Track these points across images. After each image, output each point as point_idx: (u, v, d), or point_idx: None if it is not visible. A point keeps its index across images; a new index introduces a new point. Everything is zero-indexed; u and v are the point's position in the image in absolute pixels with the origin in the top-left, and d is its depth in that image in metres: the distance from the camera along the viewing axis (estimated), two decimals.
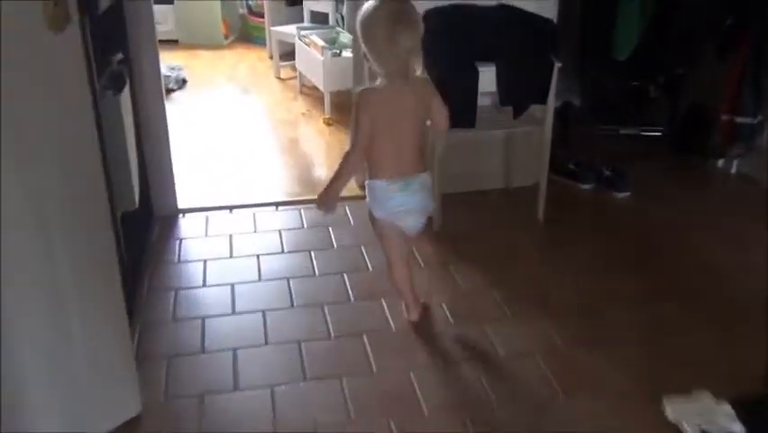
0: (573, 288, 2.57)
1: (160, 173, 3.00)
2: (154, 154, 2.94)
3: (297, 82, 4.94)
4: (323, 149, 4.06)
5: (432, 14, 2.63)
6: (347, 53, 4.39)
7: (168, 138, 3.00)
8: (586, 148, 3.56)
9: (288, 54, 5.09)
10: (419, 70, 2.02)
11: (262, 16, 6.12)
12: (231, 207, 3.15)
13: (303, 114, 4.53)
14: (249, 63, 5.75)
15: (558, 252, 2.85)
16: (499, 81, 2.80)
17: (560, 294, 2.54)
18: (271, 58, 5.59)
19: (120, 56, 2.38)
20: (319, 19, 5.22)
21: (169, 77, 4.85)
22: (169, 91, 4.82)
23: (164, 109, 2.95)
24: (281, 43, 5.14)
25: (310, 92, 4.79)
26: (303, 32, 4.73)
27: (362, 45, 2.00)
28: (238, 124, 4.36)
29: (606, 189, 3.34)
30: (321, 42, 4.43)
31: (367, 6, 1.97)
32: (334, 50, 4.39)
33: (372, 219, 2.18)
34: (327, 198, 2.11)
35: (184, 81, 5.05)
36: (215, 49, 6.09)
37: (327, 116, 4.35)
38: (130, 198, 2.29)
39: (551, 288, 2.58)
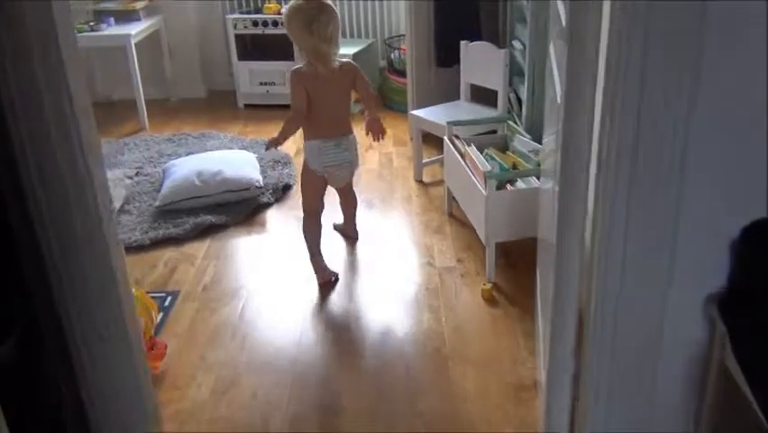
0: None
1: None
2: None
3: (444, 199, 3.27)
4: (478, 350, 2.36)
5: None
6: (525, 182, 2.65)
7: None
8: None
9: (437, 141, 3.45)
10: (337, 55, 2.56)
11: (406, 75, 4.52)
12: None
13: (450, 267, 2.85)
14: (382, 144, 4.16)
15: None
16: None
17: None
18: (412, 139, 3.98)
19: None
20: (483, 97, 3.51)
21: (260, 188, 3.38)
22: (261, 207, 3.34)
23: None
24: (426, 130, 3.50)
25: (466, 220, 3.11)
26: (456, 131, 3.06)
27: (288, 34, 2.56)
28: (345, 277, 2.79)
29: None
30: (482, 163, 2.72)
31: (290, 4, 2.50)
32: (502, 175, 2.67)
33: (305, 171, 2.69)
34: (276, 141, 2.60)
35: (286, 187, 3.56)
36: None
37: (488, 285, 2.64)
38: None
39: None
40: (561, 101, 1.45)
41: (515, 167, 2.78)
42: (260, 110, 4.74)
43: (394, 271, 2.84)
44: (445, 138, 3.09)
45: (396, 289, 2.72)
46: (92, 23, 4.40)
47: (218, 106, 4.98)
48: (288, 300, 2.68)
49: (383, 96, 4.91)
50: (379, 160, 3.94)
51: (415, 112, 3.51)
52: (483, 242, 2.69)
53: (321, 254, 2.78)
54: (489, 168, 2.64)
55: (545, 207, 1.89)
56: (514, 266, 2.77)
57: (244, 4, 4.94)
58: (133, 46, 4.35)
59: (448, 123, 3.10)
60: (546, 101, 2.06)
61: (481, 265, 2.77)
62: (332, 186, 2.77)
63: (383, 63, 5.06)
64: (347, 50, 4.57)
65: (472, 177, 2.72)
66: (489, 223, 2.59)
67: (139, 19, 4.65)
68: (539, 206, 2.21)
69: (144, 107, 4.53)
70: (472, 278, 2.74)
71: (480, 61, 3.40)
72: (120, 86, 4.88)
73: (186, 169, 3.37)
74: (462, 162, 2.86)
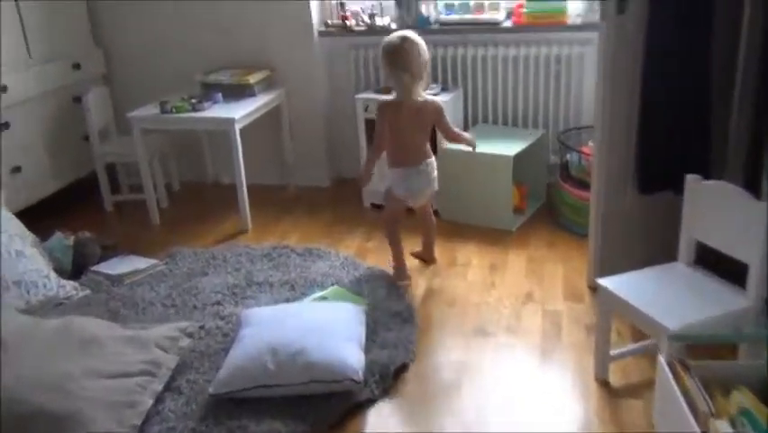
0: None
1: None
2: None
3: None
4: None
5: None
6: None
7: None
8: None
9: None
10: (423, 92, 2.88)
11: (588, 188, 3.30)
12: None
13: None
14: (547, 291, 2.96)
15: None
16: None
17: None
18: (594, 290, 2.77)
19: None
20: (717, 261, 2.20)
21: (359, 383, 2.29)
22: (359, 406, 2.26)
23: None
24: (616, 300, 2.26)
25: None
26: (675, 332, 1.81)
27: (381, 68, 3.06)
28: None
29: None
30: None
31: (385, 40, 2.84)
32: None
33: (390, 194, 3.01)
34: (364, 176, 2.99)
35: (400, 370, 2.45)
36: (493, 237, 3.43)
37: None
38: None
39: None
40: None
41: None
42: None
43: None
44: (661, 358, 1.83)
45: None
46: (195, 101, 3.60)
47: (341, 201, 4.01)
48: None
49: (551, 205, 3.70)
50: (541, 325, 2.72)
51: (607, 284, 2.24)
52: None
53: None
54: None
55: None
56: None
57: (380, 83, 3.96)
58: (237, 132, 3.48)
59: (671, 337, 1.84)
60: None
61: None
62: (413, 206, 3.07)
63: (553, 158, 3.86)
64: (508, 149, 3.42)
65: None
66: None
67: (253, 95, 3.80)
68: None
69: (247, 205, 3.64)
70: None
71: (719, 211, 2.12)
72: (231, 168, 4.04)
73: (259, 339, 2.36)
74: (687, 410, 1.60)
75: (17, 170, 3.61)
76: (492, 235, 3.48)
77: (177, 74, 4.08)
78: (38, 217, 3.72)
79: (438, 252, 3.34)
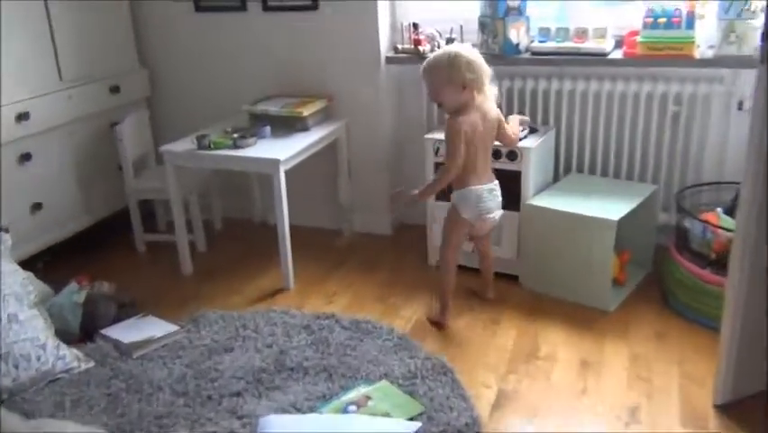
0: None
1: None
2: None
3: None
4: None
5: None
6: None
7: None
8: None
9: None
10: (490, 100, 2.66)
11: (712, 266, 2.60)
12: None
13: None
14: (658, 407, 2.26)
15: None
16: None
17: None
18: (724, 411, 2.06)
19: None
20: None
21: None
22: None
23: None
24: None
25: None
26: None
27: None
28: None
29: None
30: None
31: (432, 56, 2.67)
32: None
33: (455, 221, 2.70)
34: (421, 199, 2.74)
35: None
36: (585, 319, 2.74)
37: None
38: None
39: None
40: None
41: None
42: (461, 275, 2.99)
43: None
44: None
45: None
46: (237, 135, 3.08)
47: (401, 256, 3.41)
48: None
49: (659, 277, 2.97)
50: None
51: None
52: None
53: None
54: None
55: None
56: None
57: None
58: (282, 175, 2.94)
59: None
60: None
61: None
62: (478, 233, 2.80)
63: (663, 216, 3.14)
64: (610, 211, 2.74)
65: None
66: None
67: (306, 129, 3.26)
68: None
69: (290, 261, 3.08)
70: None
71: None
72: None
73: None
74: None
75: (37, 206, 3.19)
76: (584, 316, 2.79)
77: (227, 100, 3.60)
78: (64, 256, 3.32)
79: (516, 334, 2.69)
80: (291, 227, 3.04)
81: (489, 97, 2.65)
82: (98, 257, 3.49)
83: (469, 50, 2.60)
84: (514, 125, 2.83)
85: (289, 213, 3.00)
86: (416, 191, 2.70)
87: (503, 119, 2.73)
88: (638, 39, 2.89)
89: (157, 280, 3.29)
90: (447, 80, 2.55)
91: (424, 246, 3.30)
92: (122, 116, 3.45)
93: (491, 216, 2.71)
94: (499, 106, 2.84)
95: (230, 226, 3.84)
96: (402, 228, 3.71)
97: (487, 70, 2.59)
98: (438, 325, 2.79)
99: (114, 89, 3.53)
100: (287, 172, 2.98)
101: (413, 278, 3.18)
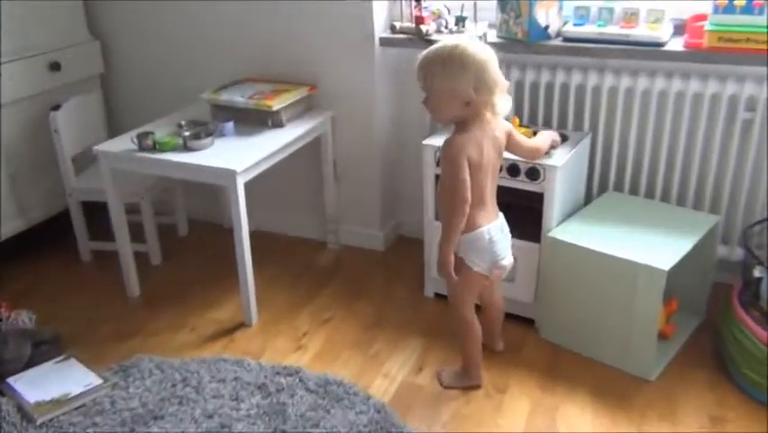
0: None
1: None
2: None
3: None
4: None
5: None
6: None
7: None
8: None
9: None
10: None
11: None
12: None
13: None
14: None
15: None
16: None
17: None
18: None
19: None
20: None
21: None
22: None
23: None
24: None
25: None
26: None
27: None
28: None
29: None
30: None
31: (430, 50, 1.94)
32: None
33: (466, 275, 2.03)
34: (450, 275, 1.99)
35: None
36: (619, 389, 2.12)
37: None
38: None
39: None
40: None
41: None
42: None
43: None
44: None
45: None
46: (189, 134, 2.46)
47: (394, 281, 2.81)
48: None
49: (717, 335, 2.33)
50: None
51: None
52: None
53: None
54: None
55: None
56: None
57: None
58: (241, 188, 2.33)
59: None
60: None
61: None
62: (491, 285, 2.20)
63: (722, 249, 2.49)
64: (659, 254, 2.10)
65: None
66: None
67: (280, 125, 2.64)
68: None
69: (252, 293, 2.49)
70: None
71: None
72: (256, 213, 2.85)
73: None
74: None
75: None
76: (618, 385, 2.18)
77: (197, 81, 2.97)
78: None
79: (529, 409, 2.10)
80: (268, 236, 2.49)
81: (498, 114, 1.99)
82: (32, 268, 2.94)
83: (483, 50, 1.90)
84: (543, 139, 2.21)
85: (267, 219, 2.47)
86: (447, 274, 2.01)
87: (513, 129, 2.09)
88: (706, 26, 2.20)
89: (95, 300, 2.72)
90: (449, 93, 1.89)
91: (420, 269, 2.70)
92: (64, 99, 2.86)
93: (506, 261, 2.09)
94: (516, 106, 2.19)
95: (196, 232, 3.25)
96: (397, 242, 3.10)
97: (502, 83, 1.92)
98: (472, 388, 2.20)
99: (55, 66, 2.92)
100: (261, 174, 2.39)
101: (403, 316, 2.58)
